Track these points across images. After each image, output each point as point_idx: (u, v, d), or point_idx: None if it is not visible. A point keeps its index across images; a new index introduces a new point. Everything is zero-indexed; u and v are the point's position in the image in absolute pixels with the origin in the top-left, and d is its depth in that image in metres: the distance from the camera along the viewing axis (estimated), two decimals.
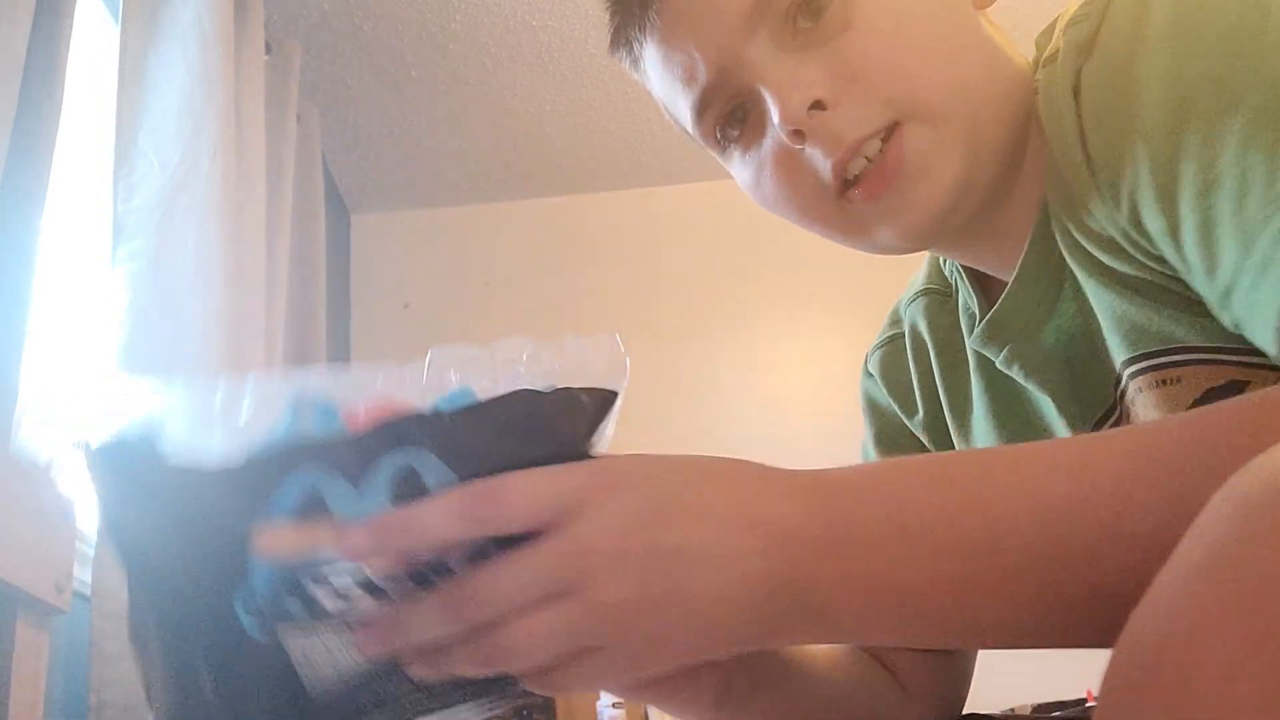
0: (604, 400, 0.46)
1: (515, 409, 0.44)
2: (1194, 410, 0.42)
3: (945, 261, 0.81)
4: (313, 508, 0.41)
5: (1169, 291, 0.57)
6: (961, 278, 0.76)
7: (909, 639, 0.47)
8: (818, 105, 0.61)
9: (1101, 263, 0.60)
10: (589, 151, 2.74)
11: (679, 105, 0.69)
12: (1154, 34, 0.53)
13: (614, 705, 2.21)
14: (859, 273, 2.80)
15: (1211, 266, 0.52)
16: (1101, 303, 0.62)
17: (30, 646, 0.94)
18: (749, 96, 0.65)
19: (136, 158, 1.42)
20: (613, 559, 0.42)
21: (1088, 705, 1.98)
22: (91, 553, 1.25)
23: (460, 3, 2.21)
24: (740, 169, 0.69)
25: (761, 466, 0.46)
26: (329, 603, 0.42)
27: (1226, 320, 0.53)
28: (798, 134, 0.62)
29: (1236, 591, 0.26)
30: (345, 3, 2.17)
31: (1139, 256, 0.57)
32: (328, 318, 2.15)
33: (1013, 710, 2.08)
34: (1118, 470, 0.40)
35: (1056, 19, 0.63)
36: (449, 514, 0.42)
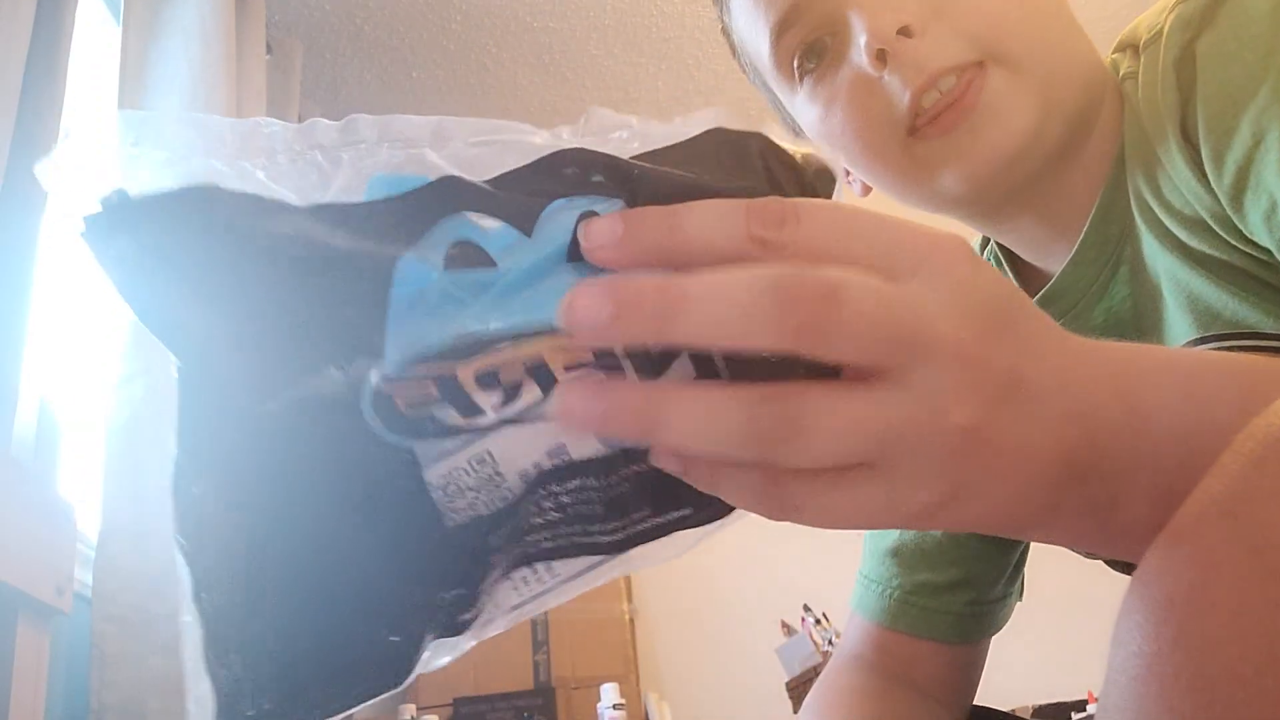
0: (819, 170, 0.34)
1: (713, 150, 0.33)
2: None
3: (984, 250, 0.81)
4: (466, 261, 0.29)
5: (1248, 276, 0.58)
6: (1000, 264, 0.77)
7: None
8: (905, 31, 0.62)
9: (1182, 242, 0.61)
10: None
11: (758, 32, 0.68)
12: None
13: (614, 706, 2.21)
14: None
15: None
16: (1176, 281, 0.63)
17: (31, 648, 0.94)
18: (831, 29, 0.65)
19: None
20: (962, 375, 0.31)
21: (1089, 707, 1.98)
22: (92, 555, 1.24)
23: (461, 3, 2.21)
24: (808, 104, 0.68)
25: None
26: (488, 402, 0.30)
27: None
28: (881, 57, 0.62)
29: (1248, 530, 0.26)
30: (346, 3, 2.17)
31: (1224, 235, 0.58)
32: None
33: (1013, 712, 2.08)
34: None
35: (1139, 20, 0.64)
36: (723, 220, 0.30)
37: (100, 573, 1.22)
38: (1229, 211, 0.56)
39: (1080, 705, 2.13)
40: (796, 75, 0.67)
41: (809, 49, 0.66)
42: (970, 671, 0.83)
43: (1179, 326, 0.63)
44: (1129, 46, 0.66)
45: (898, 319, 0.30)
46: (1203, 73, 0.57)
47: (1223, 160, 0.56)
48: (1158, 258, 0.64)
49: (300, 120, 2.16)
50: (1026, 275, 0.75)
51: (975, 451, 0.32)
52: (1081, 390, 0.34)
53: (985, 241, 0.81)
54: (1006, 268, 0.76)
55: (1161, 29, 0.60)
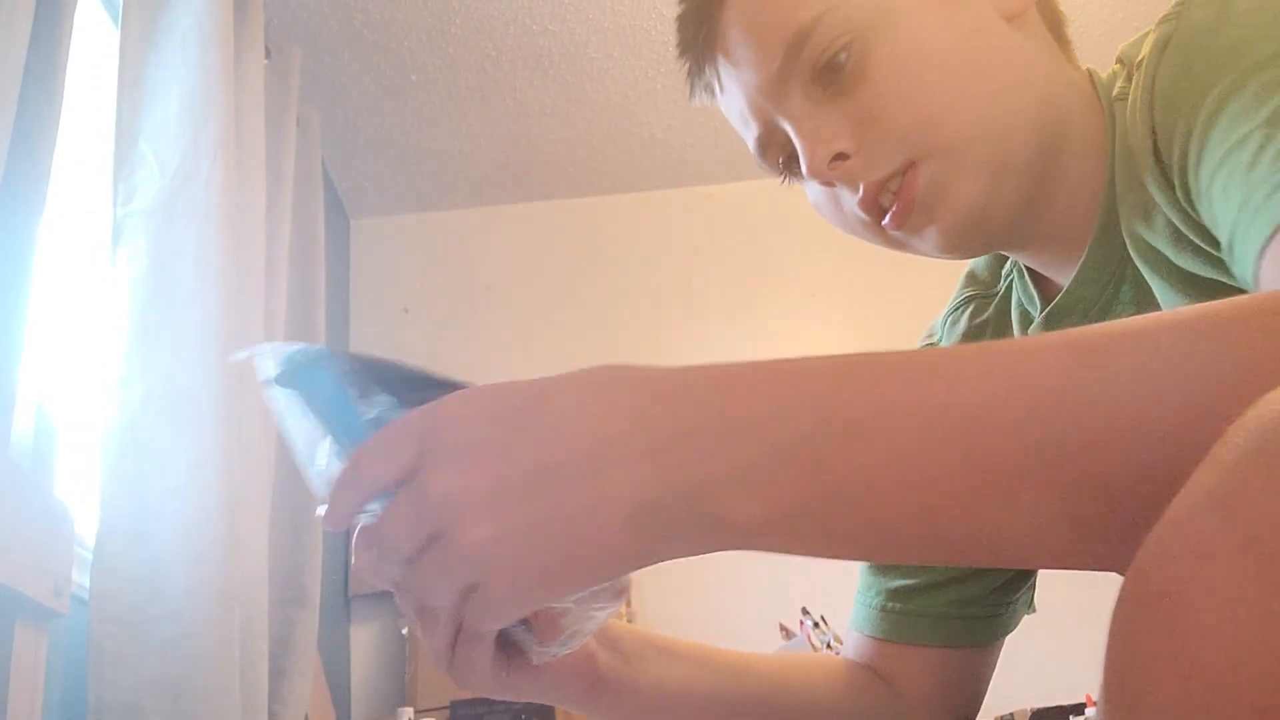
0: None
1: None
2: (1211, 304, 0.37)
3: (1007, 263, 0.82)
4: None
5: (1233, 291, 0.57)
6: (1020, 274, 0.78)
7: (856, 551, 0.42)
8: (840, 156, 0.66)
9: (1171, 262, 0.62)
10: (588, 155, 2.75)
11: (746, 139, 0.75)
12: (1235, 17, 0.54)
13: None
14: (860, 271, 2.80)
15: (1219, 225, 0.53)
16: (1169, 306, 0.64)
17: (29, 649, 0.94)
18: (794, 150, 0.70)
19: (136, 161, 1.42)
20: (462, 497, 0.40)
21: (1087, 710, 1.98)
22: (89, 557, 1.25)
23: (460, 6, 2.22)
24: (808, 191, 0.74)
25: (639, 366, 0.43)
26: None
27: (1239, 275, 0.53)
28: (825, 180, 0.67)
29: (1244, 520, 0.26)
30: (345, 7, 2.17)
31: (1206, 247, 0.58)
32: (327, 322, 2.15)
33: (1011, 716, 2.08)
34: (1048, 359, 0.37)
35: (1144, 34, 0.65)
36: (341, 484, 0.44)
37: (98, 575, 1.22)
38: (1194, 218, 0.57)
39: (1079, 709, 2.13)
40: (786, 176, 0.74)
41: (788, 159, 0.72)
42: (963, 681, 0.82)
43: None
44: (1127, 62, 0.66)
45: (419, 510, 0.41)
46: (1160, 92, 0.58)
47: (1183, 177, 0.57)
48: (1153, 281, 0.65)
49: (299, 125, 2.15)
50: (1044, 287, 0.76)
51: (502, 549, 0.40)
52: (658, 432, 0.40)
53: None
54: (1027, 279, 0.77)
55: (1146, 56, 0.61)
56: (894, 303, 2.57)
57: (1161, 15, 0.61)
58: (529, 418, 0.41)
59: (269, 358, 0.48)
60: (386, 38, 2.27)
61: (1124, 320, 0.38)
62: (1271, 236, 0.47)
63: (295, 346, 0.49)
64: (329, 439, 0.48)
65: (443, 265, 2.86)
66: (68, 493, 1.25)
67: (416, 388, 0.47)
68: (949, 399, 0.37)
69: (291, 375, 0.48)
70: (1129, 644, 0.28)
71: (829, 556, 0.42)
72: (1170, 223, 0.60)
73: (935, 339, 0.88)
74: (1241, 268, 0.51)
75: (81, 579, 1.23)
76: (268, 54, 1.90)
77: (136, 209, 1.40)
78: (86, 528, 1.27)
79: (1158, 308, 0.65)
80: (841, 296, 2.72)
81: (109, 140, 1.43)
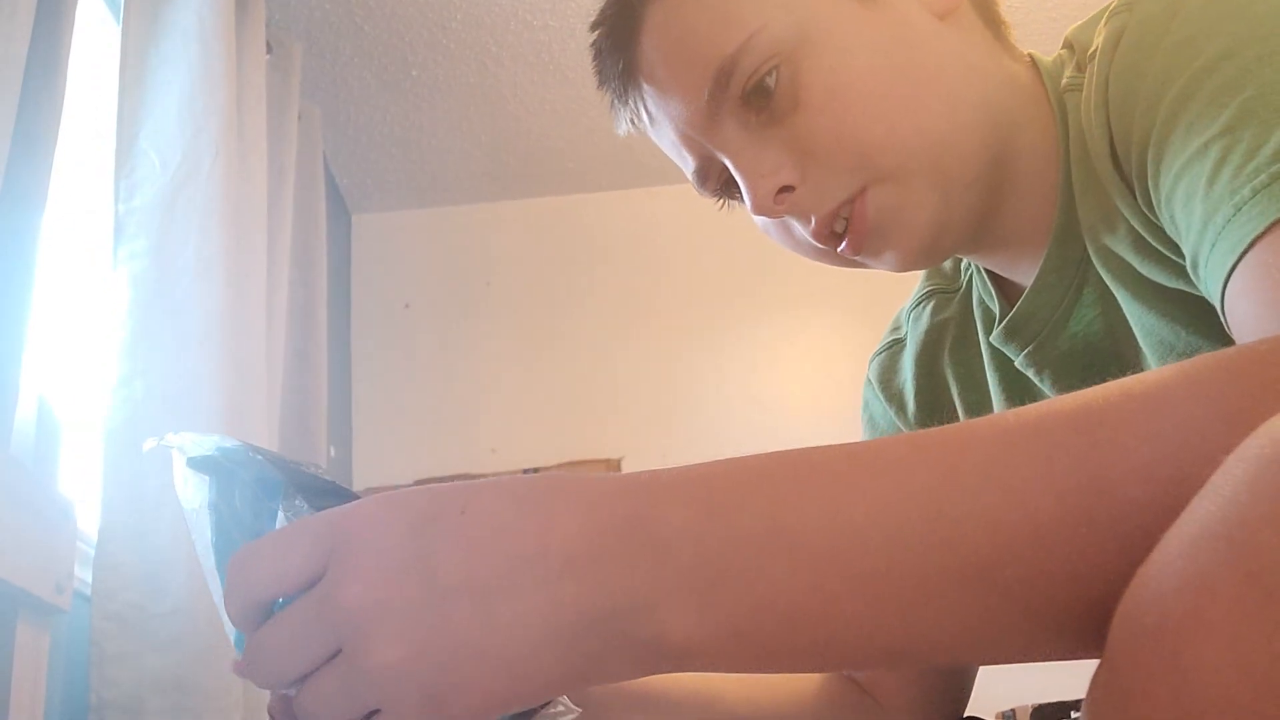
0: None
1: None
2: (1075, 393, 0.37)
3: (965, 274, 0.81)
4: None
5: (1198, 300, 0.56)
6: (979, 273, 0.77)
7: (782, 664, 0.38)
8: (786, 189, 0.64)
9: (1135, 270, 0.60)
10: (590, 151, 2.74)
11: (685, 172, 0.73)
12: (1185, 13, 0.53)
13: None
14: (860, 274, 2.80)
15: (1182, 238, 0.52)
16: (1132, 315, 0.62)
17: (31, 646, 0.94)
18: (734, 179, 0.68)
19: (137, 157, 1.42)
20: (374, 614, 0.37)
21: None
22: (92, 553, 1.25)
23: (461, 2, 2.21)
24: (753, 217, 0.72)
25: (554, 476, 0.40)
26: None
27: (1206, 292, 0.52)
28: (773, 213, 0.65)
29: (1244, 554, 0.25)
30: (346, 2, 2.17)
31: (1171, 255, 0.57)
32: (329, 318, 2.15)
33: (1012, 712, 2.08)
34: (985, 453, 0.36)
35: (1097, 15, 0.62)
36: (228, 588, 0.41)
37: (100, 571, 1.22)
38: (1155, 222, 0.56)
39: (1079, 705, 2.13)
40: (721, 200, 0.72)
41: (726, 184, 0.70)
42: (945, 691, 0.81)
43: (1147, 356, 0.63)
44: (1077, 49, 0.64)
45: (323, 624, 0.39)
46: (1114, 91, 0.57)
47: (1143, 184, 0.55)
48: (1118, 292, 0.63)
49: (301, 120, 2.14)
50: (1004, 286, 0.74)
51: (412, 676, 0.37)
52: (588, 547, 0.38)
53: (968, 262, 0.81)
54: (986, 279, 0.75)
55: (1098, 47, 0.59)
56: (903, 295, 2.55)
57: (1113, 6, 0.59)
58: (447, 530, 0.38)
59: (189, 442, 0.45)
60: (387, 33, 2.27)
61: (992, 416, 0.38)
62: (1236, 264, 0.46)
63: (224, 440, 0.45)
64: (213, 549, 0.44)
65: (444, 261, 2.86)
66: (70, 489, 1.25)
67: (330, 495, 0.43)
68: (870, 513, 0.36)
69: (210, 463, 0.44)
70: (1122, 680, 0.27)
71: (775, 671, 0.39)
72: (1133, 229, 0.58)
73: (901, 333, 0.88)
74: (1207, 290, 0.50)
75: (84, 575, 1.23)
76: (269, 50, 1.90)
77: (138, 206, 1.40)
78: (89, 523, 1.27)
79: (1121, 312, 0.64)
80: (846, 292, 2.71)
81: (110, 137, 1.43)
